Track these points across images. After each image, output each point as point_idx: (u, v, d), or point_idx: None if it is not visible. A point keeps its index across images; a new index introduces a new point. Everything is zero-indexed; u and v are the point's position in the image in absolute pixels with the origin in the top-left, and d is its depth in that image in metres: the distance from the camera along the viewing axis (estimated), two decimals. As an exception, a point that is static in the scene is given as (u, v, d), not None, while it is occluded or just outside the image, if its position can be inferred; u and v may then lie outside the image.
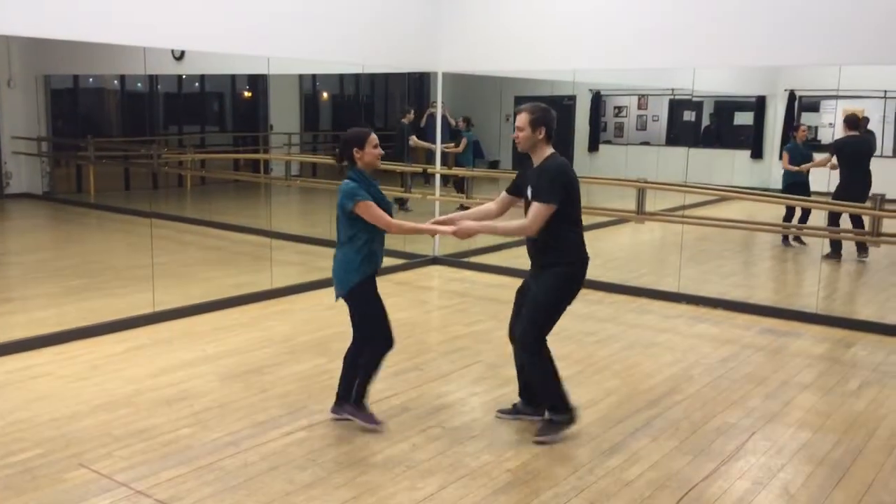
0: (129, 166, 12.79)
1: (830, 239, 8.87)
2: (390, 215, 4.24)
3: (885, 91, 12.71)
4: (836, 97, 12.79)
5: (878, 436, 4.44)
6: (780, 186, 10.08)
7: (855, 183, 8.34)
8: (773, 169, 14.41)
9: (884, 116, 13.10)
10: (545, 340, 4.26)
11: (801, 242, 9.94)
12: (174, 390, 4.91)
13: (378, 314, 4.28)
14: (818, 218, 9.46)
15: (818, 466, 4.05)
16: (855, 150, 8.72)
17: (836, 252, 9.07)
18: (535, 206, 4.07)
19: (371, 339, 4.30)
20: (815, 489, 3.81)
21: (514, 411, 4.57)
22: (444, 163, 9.41)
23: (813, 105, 14.44)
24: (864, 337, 6.39)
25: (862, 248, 9.07)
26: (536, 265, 4.31)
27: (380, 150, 4.25)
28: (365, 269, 4.20)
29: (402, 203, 11.45)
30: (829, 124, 13.65)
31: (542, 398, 4.39)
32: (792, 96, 14.24)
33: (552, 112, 4.24)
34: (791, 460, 4.11)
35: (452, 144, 11.46)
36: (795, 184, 9.58)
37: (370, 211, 4.11)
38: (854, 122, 8.92)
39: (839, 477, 3.93)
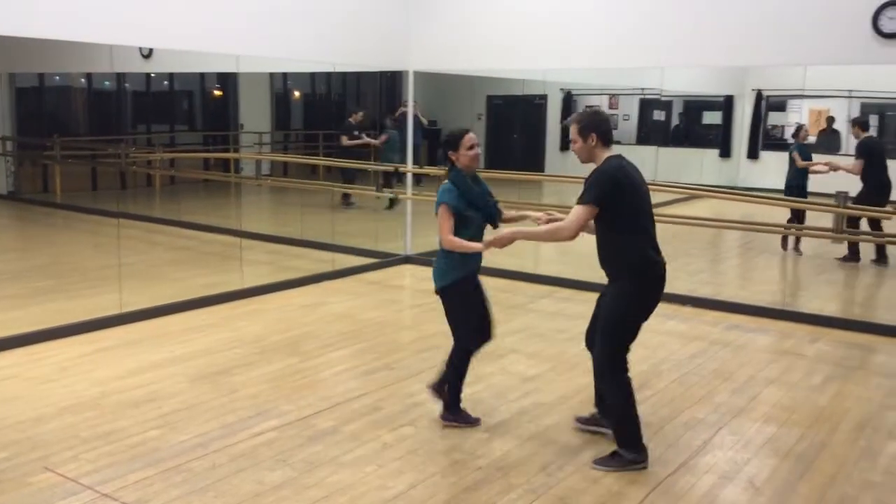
0: (96, 166, 12.61)
1: (848, 243, 8.65)
2: (493, 218, 4.29)
3: (850, 91, 12.93)
4: (802, 97, 12.99)
5: (841, 429, 4.53)
6: (747, 185, 10.14)
7: (884, 183, 8.25)
8: (740, 167, 14.62)
9: (848, 115, 13.32)
10: (622, 365, 3.95)
11: (798, 251, 9.49)
12: (142, 392, 4.86)
13: (467, 317, 4.33)
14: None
15: (783, 460, 4.11)
16: (879, 151, 8.66)
17: (854, 255, 8.83)
18: (575, 208, 3.83)
19: (458, 339, 4.36)
20: (780, 482, 3.87)
21: (592, 421, 4.38)
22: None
23: (780, 105, 14.67)
24: (828, 332, 6.49)
25: (881, 257, 8.80)
26: (607, 276, 4.04)
27: (476, 152, 4.24)
28: (461, 270, 4.25)
29: (345, 199, 11.68)
30: (796, 123, 13.87)
31: (615, 430, 4.03)
32: (759, 96, 14.44)
33: (601, 115, 4.12)
34: (757, 454, 4.17)
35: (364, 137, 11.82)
36: (793, 186, 9.27)
37: (442, 219, 4.15)
38: (867, 124, 8.91)
39: (804, 470, 4.00)
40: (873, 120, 12.68)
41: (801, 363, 5.74)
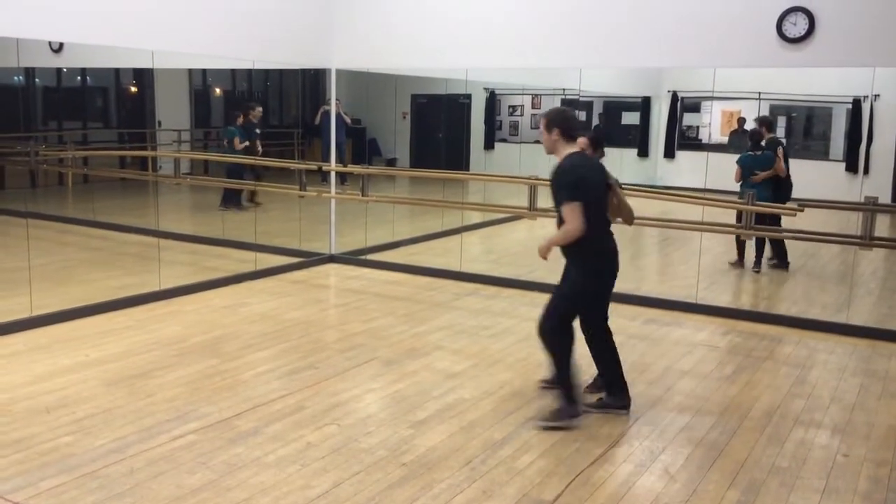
0: (4, 164, 12.05)
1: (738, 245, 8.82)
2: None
3: (760, 93, 13.45)
4: (714, 98, 13.46)
5: (750, 417, 4.73)
6: (664, 183, 10.39)
7: (789, 184, 8.54)
8: (658, 167, 15.05)
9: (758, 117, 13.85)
10: (567, 326, 4.50)
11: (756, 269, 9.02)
12: (54, 397, 4.69)
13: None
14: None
15: (696, 448, 4.27)
16: (786, 153, 8.98)
17: (742, 259, 8.89)
18: (565, 209, 4.30)
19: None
20: (693, 469, 4.02)
21: (600, 405, 4.73)
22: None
23: (694, 106, 15.15)
24: (739, 325, 6.77)
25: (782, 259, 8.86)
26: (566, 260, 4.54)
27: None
28: None
29: (226, 202, 11.33)
30: (709, 124, 14.36)
31: (556, 377, 4.57)
32: (675, 97, 14.89)
33: (567, 112, 4.60)
34: (672, 443, 4.32)
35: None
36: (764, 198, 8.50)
37: None
38: (773, 124, 9.27)
39: (715, 457, 4.16)
40: (781, 121, 13.24)
41: (713, 355, 5.97)
